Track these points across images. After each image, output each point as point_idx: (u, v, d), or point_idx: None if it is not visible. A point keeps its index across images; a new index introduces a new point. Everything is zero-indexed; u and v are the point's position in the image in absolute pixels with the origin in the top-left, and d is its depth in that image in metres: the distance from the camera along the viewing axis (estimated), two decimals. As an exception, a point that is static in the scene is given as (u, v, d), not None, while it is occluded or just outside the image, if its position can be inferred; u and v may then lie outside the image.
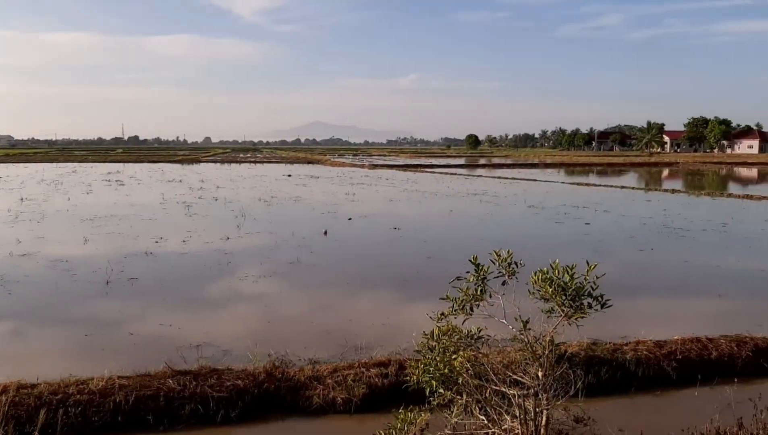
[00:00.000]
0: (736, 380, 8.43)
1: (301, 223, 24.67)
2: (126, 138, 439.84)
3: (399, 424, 6.35)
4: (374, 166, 75.43)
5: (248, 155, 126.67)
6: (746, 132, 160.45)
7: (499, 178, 55.58)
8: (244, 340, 10.33)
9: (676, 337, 9.97)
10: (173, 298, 13.42)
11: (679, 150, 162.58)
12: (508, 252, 6.56)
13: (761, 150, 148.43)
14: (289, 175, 57.69)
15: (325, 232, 21.83)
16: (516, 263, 6.53)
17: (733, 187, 47.82)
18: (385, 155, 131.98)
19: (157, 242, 19.77)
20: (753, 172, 71.23)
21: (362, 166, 76.73)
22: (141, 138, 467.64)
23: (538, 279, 6.25)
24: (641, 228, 23.70)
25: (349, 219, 25.84)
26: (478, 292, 6.44)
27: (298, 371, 8.69)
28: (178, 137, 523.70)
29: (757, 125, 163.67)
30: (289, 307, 12.84)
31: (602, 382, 8.70)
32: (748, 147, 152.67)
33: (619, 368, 8.99)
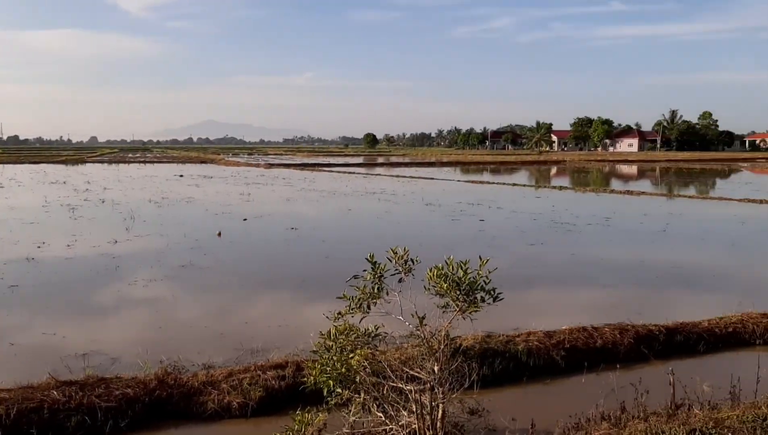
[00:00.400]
0: (618, 366, 8.90)
1: (193, 224, 23.98)
2: (5, 138, 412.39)
3: (296, 426, 6.27)
4: (270, 166, 74.52)
5: (138, 155, 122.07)
6: (627, 131, 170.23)
7: (397, 176, 56.22)
8: (134, 347, 9.91)
9: (564, 327, 10.37)
10: (57, 306, 12.69)
11: (566, 148, 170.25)
12: (405, 249, 6.61)
13: (640, 148, 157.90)
14: (181, 175, 55.98)
15: (219, 234, 21.32)
16: (412, 260, 6.59)
17: (615, 184, 50.52)
18: (281, 154, 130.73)
19: (39, 247, 18.65)
20: (633, 169, 75.57)
21: (258, 166, 75.61)
22: (21, 138, 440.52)
23: (434, 275, 6.33)
24: (532, 223, 24.60)
25: (245, 219, 25.35)
26: (375, 290, 6.45)
27: (191, 377, 8.43)
28: (61, 137, 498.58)
29: (636, 125, 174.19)
30: (182, 311, 12.43)
31: (496, 373, 8.94)
32: (628, 145, 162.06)
33: (512, 359, 9.27)
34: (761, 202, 32.86)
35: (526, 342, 9.68)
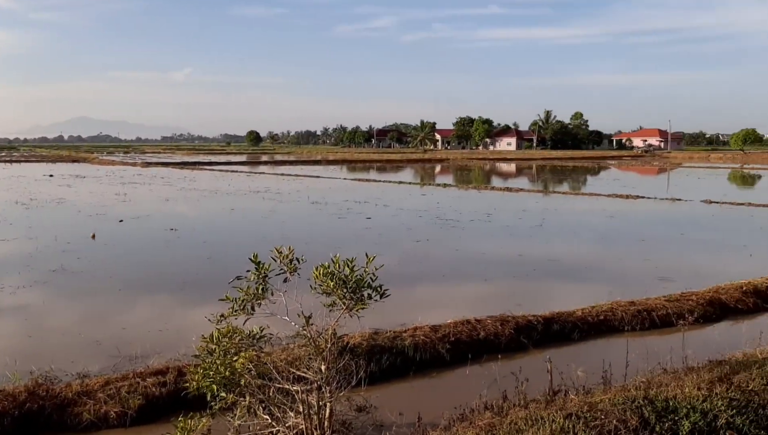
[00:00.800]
0: (500, 356, 9.21)
1: (65, 227, 22.67)
2: None
3: (179, 433, 6.03)
4: (148, 165, 71.87)
5: (2, 154, 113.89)
6: (505, 130, 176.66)
7: (282, 175, 55.65)
8: (1, 358, 9.22)
9: (449, 321, 10.61)
10: None
11: (449, 147, 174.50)
12: (290, 248, 6.51)
13: (518, 147, 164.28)
14: (51, 175, 52.79)
15: (93, 236, 20.25)
16: (298, 259, 6.50)
17: (496, 181, 52.39)
18: (159, 153, 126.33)
19: None
20: (512, 167, 78.70)
21: (134, 165, 72.67)
22: None
23: (320, 274, 6.27)
24: (417, 220, 25.05)
25: (120, 221, 24.24)
26: (259, 291, 6.31)
27: (64, 387, 7.95)
28: None
29: (515, 124, 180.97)
30: (54, 318, 11.70)
31: (383, 369, 9.01)
32: (507, 144, 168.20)
33: (399, 355, 9.38)
34: (627, 197, 35.16)
35: (412, 337, 9.82)
